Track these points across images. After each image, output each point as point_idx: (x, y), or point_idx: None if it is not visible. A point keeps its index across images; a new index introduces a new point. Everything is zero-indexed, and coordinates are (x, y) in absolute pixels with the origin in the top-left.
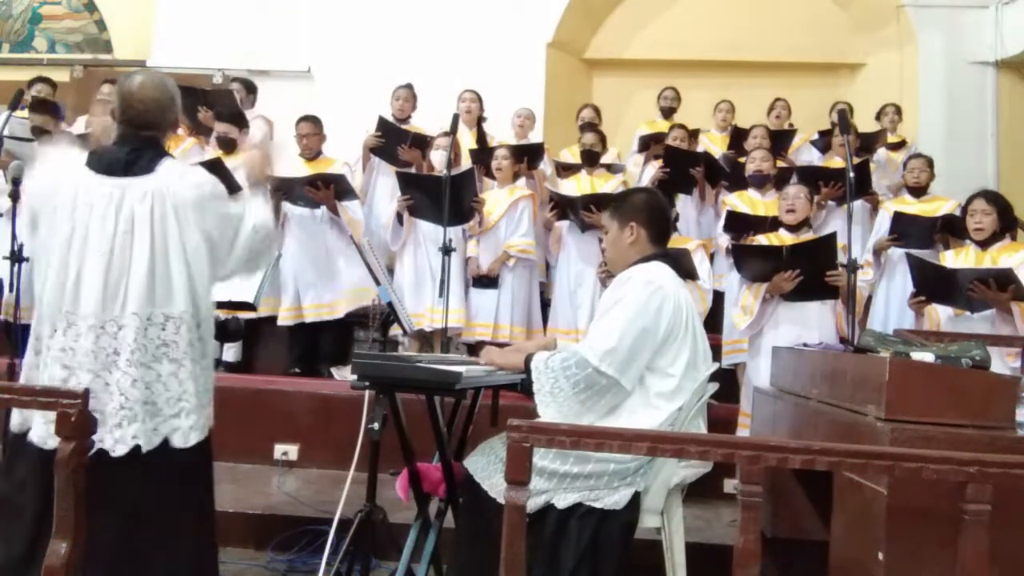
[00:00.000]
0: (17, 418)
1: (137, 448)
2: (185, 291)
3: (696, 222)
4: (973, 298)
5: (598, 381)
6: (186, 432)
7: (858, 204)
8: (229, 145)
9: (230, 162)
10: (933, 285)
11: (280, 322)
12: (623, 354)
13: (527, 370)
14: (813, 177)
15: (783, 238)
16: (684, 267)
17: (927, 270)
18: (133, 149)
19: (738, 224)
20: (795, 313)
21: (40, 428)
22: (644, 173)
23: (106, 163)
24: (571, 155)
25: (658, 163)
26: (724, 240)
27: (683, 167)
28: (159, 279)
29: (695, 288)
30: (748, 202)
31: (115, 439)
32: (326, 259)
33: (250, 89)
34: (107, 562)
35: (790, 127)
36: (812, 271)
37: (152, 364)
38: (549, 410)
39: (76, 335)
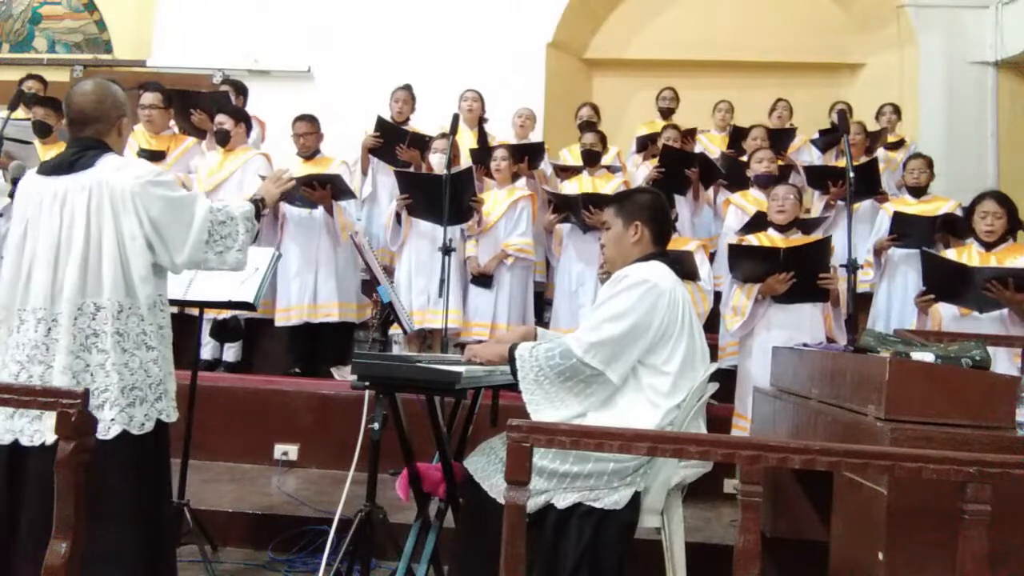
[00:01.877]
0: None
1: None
2: (115, 280)
3: (690, 222)
4: (988, 297)
5: (582, 371)
6: (106, 424)
7: (868, 204)
8: (224, 137)
9: (228, 160)
10: (944, 282)
11: (278, 323)
12: (609, 347)
13: (511, 359)
14: (822, 177)
15: (773, 238)
16: (686, 268)
17: (941, 267)
18: (78, 150)
19: (761, 226)
20: (787, 315)
21: None
22: (638, 173)
23: (53, 165)
24: (571, 155)
25: (652, 163)
26: (733, 239)
27: (679, 167)
28: (91, 269)
29: (697, 289)
30: (753, 202)
31: (48, 427)
32: (324, 260)
33: (240, 91)
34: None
35: (791, 127)
36: (805, 273)
37: (81, 354)
38: (535, 397)
39: (27, 329)
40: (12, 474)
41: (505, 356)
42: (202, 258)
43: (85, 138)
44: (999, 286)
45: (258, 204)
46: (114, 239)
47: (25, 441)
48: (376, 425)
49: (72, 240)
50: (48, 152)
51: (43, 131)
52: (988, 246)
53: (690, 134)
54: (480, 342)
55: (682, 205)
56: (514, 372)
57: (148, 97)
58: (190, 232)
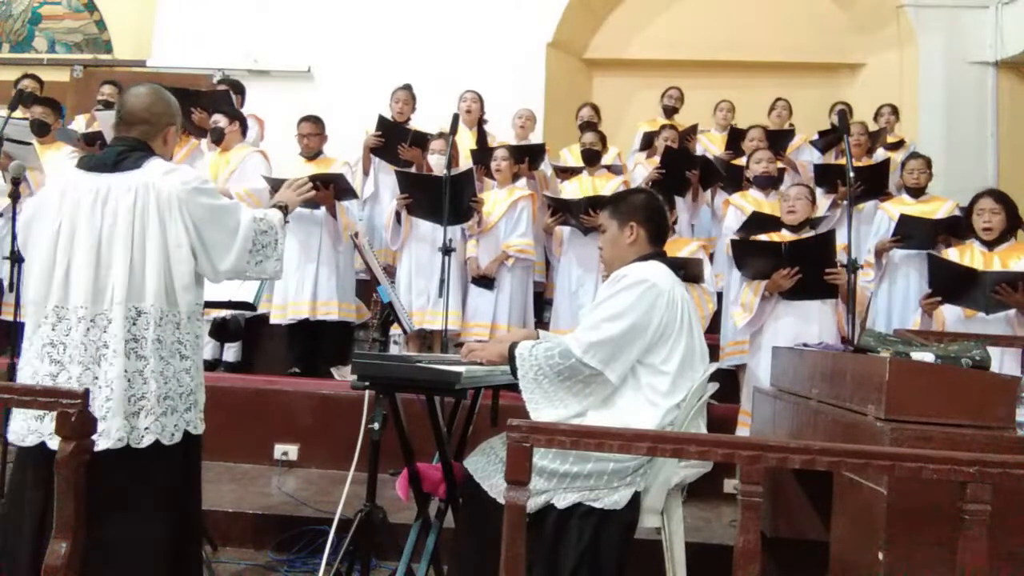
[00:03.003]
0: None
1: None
2: (159, 286)
3: (688, 224)
4: (997, 300)
5: (581, 371)
6: (140, 432)
7: (873, 204)
8: (219, 136)
9: (224, 159)
10: (951, 285)
11: (273, 320)
12: (608, 347)
13: (511, 357)
14: (829, 176)
15: (786, 238)
16: (692, 272)
17: (947, 270)
18: (123, 149)
19: (760, 225)
20: (795, 311)
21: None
22: (637, 172)
23: (95, 162)
24: (571, 155)
25: (651, 162)
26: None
27: (679, 169)
28: (135, 273)
29: (702, 292)
30: (752, 203)
31: (98, 432)
32: (325, 258)
33: (238, 90)
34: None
35: (790, 127)
36: (811, 269)
37: (122, 359)
38: (534, 396)
39: (67, 329)
40: (40, 475)
41: (505, 355)
42: (244, 267)
43: (130, 138)
44: (1008, 289)
45: (283, 210)
46: (159, 245)
47: (53, 444)
48: (376, 425)
49: (114, 241)
50: (47, 152)
51: (41, 129)
52: (990, 245)
53: (690, 132)
54: (481, 341)
55: (680, 207)
56: (514, 371)
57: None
58: (235, 240)
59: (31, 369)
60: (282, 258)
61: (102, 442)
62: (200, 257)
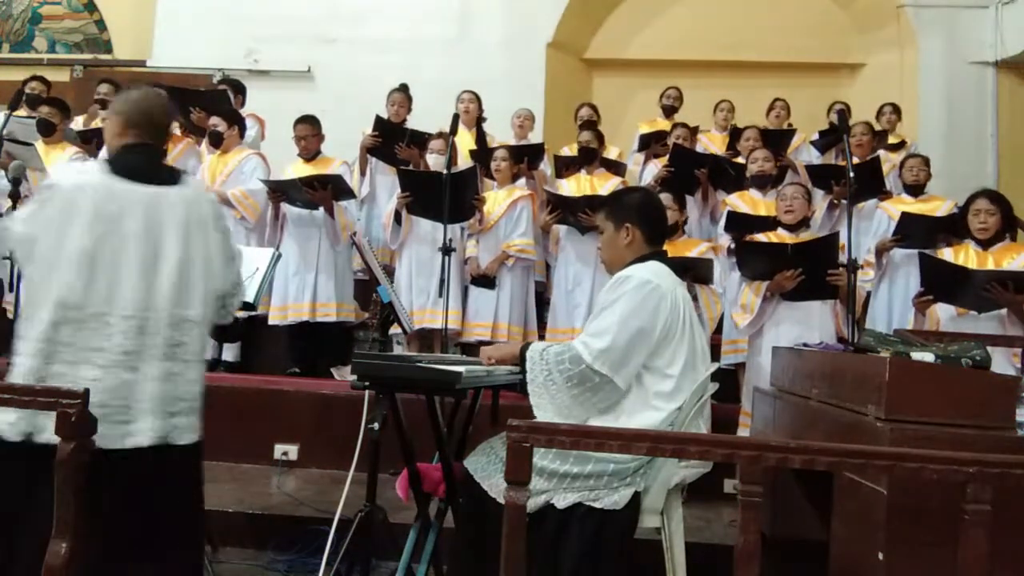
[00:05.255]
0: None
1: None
2: (203, 295)
3: (697, 223)
4: (988, 299)
5: (591, 378)
6: (182, 431)
7: (872, 203)
8: (217, 139)
9: (222, 162)
10: (943, 284)
11: (272, 321)
12: (617, 353)
13: (522, 359)
14: (824, 176)
15: (783, 237)
16: (702, 273)
17: (939, 269)
18: (149, 157)
19: (740, 224)
20: (796, 312)
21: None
22: (645, 171)
23: (130, 170)
24: (573, 154)
25: (660, 161)
26: (726, 240)
27: (688, 167)
28: (183, 282)
29: (710, 293)
30: (749, 202)
31: (138, 430)
32: (324, 260)
33: (238, 90)
34: (117, 555)
35: (789, 127)
36: (813, 270)
37: (169, 363)
38: (542, 401)
39: (114, 334)
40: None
41: (517, 355)
42: (225, 299)
43: (154, 147)
44: (999, 288)
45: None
46: (203, 256)
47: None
48: (376, 425)
49: (164, 250)
50: (51, 152)
51: (47, 129)
52: (984, 245)
53: (693, 132)
54: (482, 342)
55: (691, 206)
56: (524, 373)
57: (103, 87)
58: (229, 270)
59: (72, 374)
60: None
61: (142, 440)
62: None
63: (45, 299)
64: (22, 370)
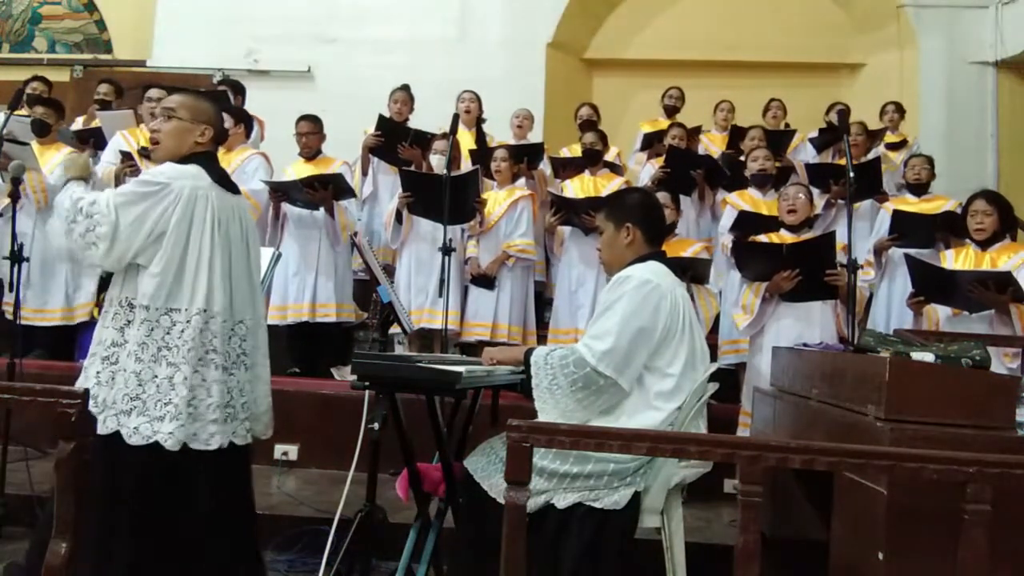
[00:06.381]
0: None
1: (230, 444)
2: (255, 301)
3: (695, 223)
4: (973, 299)
5: (596, 381)
6: (244, 434)
7: (868, 203)
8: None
9: (227, 160)
10: (931, 286)
11: (271, 321)
12: (621, 355)
13: (526, 364)
14: (823, 175)
15: (785, 238)
16: (699, 273)
17: (925, 271)
18: (221, 166)
19: (747, 224)
20: (797, 312)
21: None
22: (644, 172)
23: (220, 177)
24: (572, 155)
25: (658, 162)
26: (727, 239)
27: (684, 168)
28: (248, 287)
29: (707, 293)
30: (749, 201)
31: (232, 432)
32: (324, 261)
33: (238, 91)
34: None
35: (786, 127)
36: (812, 270)
37: (252, 366)
38: (547, 406)
39: (212, 335)
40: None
41: (520, 359)
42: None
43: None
44: (981, 288)
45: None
46: (256, 264)
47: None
48: (376, 425)
49: (253, 258)
50: (45, 152)
51: (42, 130)
52: (983, 245)
53: (694, 132)
54: (482, 342)
55: (687, 206)
56: (528, 378)
57: (154, 91)
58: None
59: (179, 374)
60: None
61: (238, 440)
62: None
63: (176, 302)
64: (167, 378)
